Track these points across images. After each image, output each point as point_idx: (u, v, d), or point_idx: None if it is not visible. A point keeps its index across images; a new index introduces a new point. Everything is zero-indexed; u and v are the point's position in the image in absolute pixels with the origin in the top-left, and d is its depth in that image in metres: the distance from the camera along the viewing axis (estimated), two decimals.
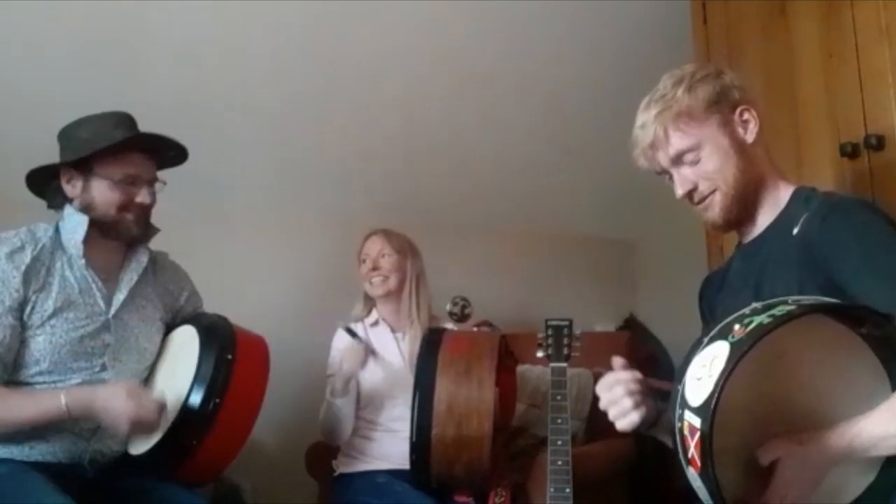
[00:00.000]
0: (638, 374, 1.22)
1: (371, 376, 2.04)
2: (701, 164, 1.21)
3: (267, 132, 2.54)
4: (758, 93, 1.57)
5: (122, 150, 1.53)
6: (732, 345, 0.90)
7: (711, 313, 1.36)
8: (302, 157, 2.64)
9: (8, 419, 1.39)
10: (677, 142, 1.21)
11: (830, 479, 0.98)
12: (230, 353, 1.52)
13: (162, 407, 1.44)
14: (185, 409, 1.46)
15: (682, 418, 0.93)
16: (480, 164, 2.82)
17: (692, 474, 0.92)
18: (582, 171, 2.91)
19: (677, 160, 1.23)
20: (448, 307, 2.18)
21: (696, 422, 0.89)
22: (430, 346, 1.76)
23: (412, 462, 1.68)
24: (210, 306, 1.77)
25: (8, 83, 2.12)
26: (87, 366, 1.49)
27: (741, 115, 1.23)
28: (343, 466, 2.03)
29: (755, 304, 0.96)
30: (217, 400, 1.46)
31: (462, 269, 2.81)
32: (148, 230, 1.64)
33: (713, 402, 0.87)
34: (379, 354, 2.09)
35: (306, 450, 2.28)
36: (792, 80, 1.70)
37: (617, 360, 1.25)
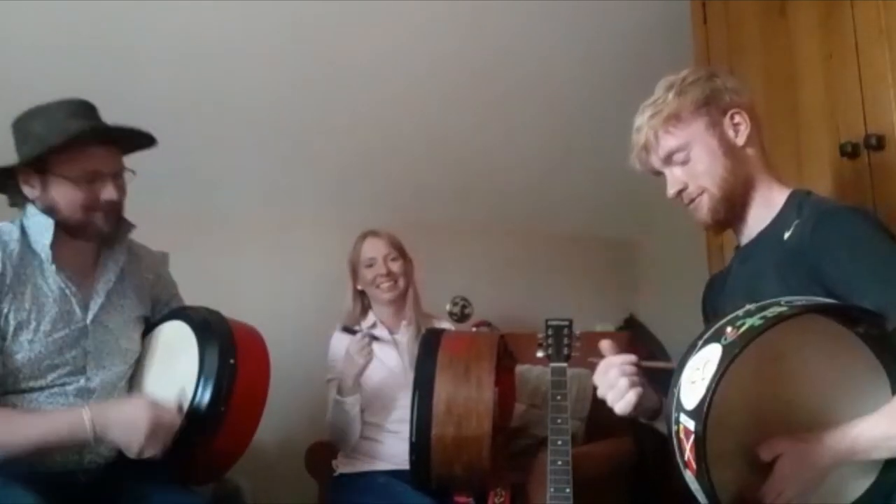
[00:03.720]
0: (631, 357, 1.22)
1: (371, 378, 2.04)
2: (690, 165, 1.25)
3: (266, 133, 2.54)
4: (758, 93, 1.57)
5: (78, 144, 1.39)
6: (724, 347, 0.91)
7: (714, 315, 1.36)
8: (301, 157, 2.64)
9: (13, 441, 1.28)
10: (666, 143, 1.25)
11: (830, 480, 0.98)
12: (232, 358, 1.46)
13: (179, 409, 1.40)
14: (191, 416, 1.42)
15: (677, 421, 0.94)
16: (480, 164, 2.82)
17: (689, 476, 0.93)
18: (582, 171, 2.91)
19: (668, 160, 1.26)
20: (448, 307, 2.18)
21: (691, 425, 0.90)
22: (429, 346, 1.76)
23: (412, 462, 1.68)
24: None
25: (4, 81, 2.12)
26: (66, 376, 1.41)
27: (732, 117, 1.25)
28: (343, 467, 2.03)
29: (749, 306, 0.97)
30: (222, 408, 1.42)
31: (462, 269, 2.81)
32: (121, 227, 1.51)
33: (706, 405, 0.88)
34: (378, 357, 2.09)
35: (306, 450, 2.28)
36: (792, 80, 1.70)
37: (605, 345, 1.25)
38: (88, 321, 1.45)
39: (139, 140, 1.50)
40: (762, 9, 1.82)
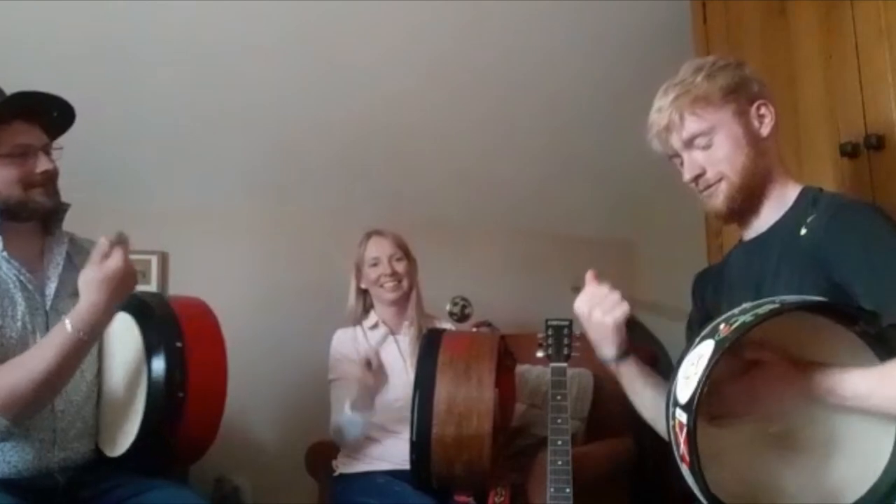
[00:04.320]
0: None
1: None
2: (712, 150, 1.23)
3: (267, 132, 2.54)
4: None
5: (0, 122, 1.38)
6: (717, 342, 0.93)
7: (707, 308, 1.36)
8: (302, 157, 2.64)
9: (31, 375, 1.25)
10: (691, 125, 1.22)
11: (831, 478, 0.98)
12: (178, 341, 1.41)
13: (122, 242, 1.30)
14: (150, 407, 1.38)
15: (673, 416, 0.96)
16: (480, 164, 2.82)
17: (685, 470, 0.94)
18: (582, 171, 2.91)
19: (689, 143, 1.24)
20: (448, 307, 2.18)
21: (684, 418, 0.92)
22: (430, 346, 1.76)
23: (412, 462, 1.68)
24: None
25: (12, 82, 2.12)
26: None
27: (758, 108, 1.24)
28: (343, 466, 2.03)
29: (744, 305, 0.98)
30: (180, 394, 1.38)
31: (462, 269, 2.81)
32: (59, 204, 1.49)
33: (696, 399, 0.90)
34: (380, 358, 2.08)
35: (306, 450, 2.28)
36: (792, 80, 1.70)
37: (590, 275, 1.29)
38: (48, 307, 1.43)
39: (59, 114, 1.47)
40: (762, 9, 1.82)
